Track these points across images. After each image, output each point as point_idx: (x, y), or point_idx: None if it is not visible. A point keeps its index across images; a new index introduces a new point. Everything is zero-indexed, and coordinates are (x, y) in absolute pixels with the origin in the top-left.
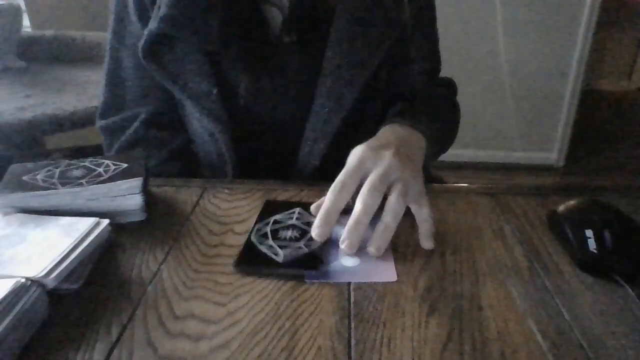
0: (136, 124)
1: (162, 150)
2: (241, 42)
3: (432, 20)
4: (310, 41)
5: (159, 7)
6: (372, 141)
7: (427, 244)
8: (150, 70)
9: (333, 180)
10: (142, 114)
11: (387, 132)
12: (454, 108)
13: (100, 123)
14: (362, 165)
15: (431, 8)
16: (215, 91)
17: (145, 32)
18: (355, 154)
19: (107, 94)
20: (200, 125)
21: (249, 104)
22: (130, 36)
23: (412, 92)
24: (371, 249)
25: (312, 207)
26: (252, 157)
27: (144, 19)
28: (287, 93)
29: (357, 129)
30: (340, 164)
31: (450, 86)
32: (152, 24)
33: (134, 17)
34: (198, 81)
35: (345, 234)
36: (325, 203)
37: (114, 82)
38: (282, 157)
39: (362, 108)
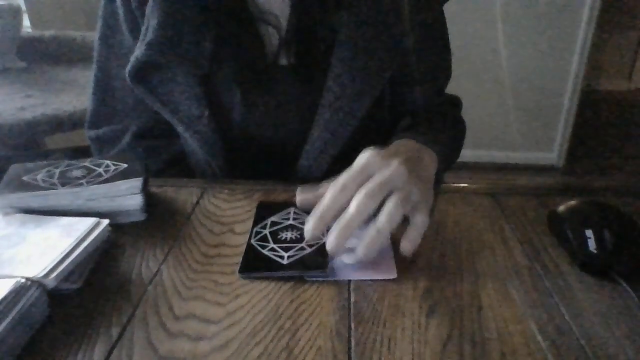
0: (127, 137)
1: (157, 160)
2: (235, 61)
3: (442, 35)
4: (309, 65)
5: (147, 30)
6: (382, 149)
7: (406, 245)
8: (138, 93)
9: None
10: (133, 127)
11: (400, 145)
12: (461, 126)
13: (89, 133)
14: (366, 169)
15: (440, 23)
16: (206, 114)
17: (132, 58)
18: (362, 158)
19: (96, 103)
20: (193, 144)
21: (242, 126)
22: (120, 46)
23: (416, 110)
24: (359, 252)
25: (300, 200)
26: (246, 179)
27: (134, 31)
28: (283, 117)
29: (358, 148)
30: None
31: (455, 103)
32: (139, 50)
33: (124, 27)
34: (189, 104)
35: (331, 234)
36: (323, 201)
37: (103, 90)
38: (277, 179)
39: (362, 131)
